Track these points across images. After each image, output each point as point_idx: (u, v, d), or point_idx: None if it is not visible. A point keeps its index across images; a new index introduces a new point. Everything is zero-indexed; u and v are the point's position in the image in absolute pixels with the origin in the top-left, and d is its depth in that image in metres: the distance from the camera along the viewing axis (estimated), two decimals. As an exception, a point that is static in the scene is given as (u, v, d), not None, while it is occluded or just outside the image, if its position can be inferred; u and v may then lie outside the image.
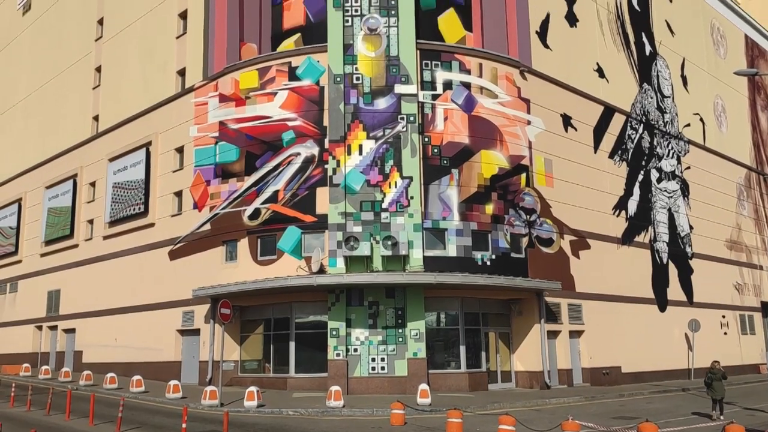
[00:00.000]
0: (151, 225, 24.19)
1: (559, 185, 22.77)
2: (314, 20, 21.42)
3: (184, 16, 24.31)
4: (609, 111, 26.00)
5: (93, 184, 28.12)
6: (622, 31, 27.79)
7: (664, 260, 27.87)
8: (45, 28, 33.74)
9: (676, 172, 29.61)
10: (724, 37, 36.09)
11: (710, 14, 35.05)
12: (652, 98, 28.83)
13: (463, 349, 20.12)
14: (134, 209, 24.89)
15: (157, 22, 25.55)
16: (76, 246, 28.41)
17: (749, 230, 35.33)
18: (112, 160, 26.60)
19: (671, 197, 28.95)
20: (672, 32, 30.85)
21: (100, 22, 29.25)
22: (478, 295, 20.49)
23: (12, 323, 32.44)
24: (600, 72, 26.04)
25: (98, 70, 28.99)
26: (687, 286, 28.88)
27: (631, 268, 25.75)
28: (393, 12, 20.66)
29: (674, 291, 27.96)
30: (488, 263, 20.00)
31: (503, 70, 21.49)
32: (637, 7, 28.84)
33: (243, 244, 20.47)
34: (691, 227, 29.92)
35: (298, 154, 20.18)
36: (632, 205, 26.54)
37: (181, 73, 24.11)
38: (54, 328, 29.39)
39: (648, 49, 29.16)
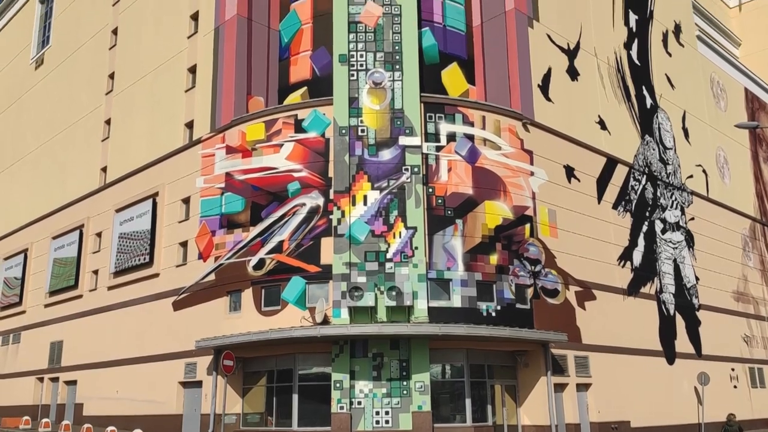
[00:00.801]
0: (156, 275, 24.20)
1: (563, 236, 22.79)
2: (320, 74, 21.89)
3: (193, 70, 24.86)
4: (612, 162, 26.22)
5: (99, 235, 28.27)
6: (623, 84, 28.26)
7: (671, 312, 27.63)
8: (57, 82, 34.49)
9: (681, 223, 29.64)
10: (724, 90, 36.63)
11: (709, 68, 35.65)
12: (654, 150, 29.10)
13: (468, 402, 19.82)
14: (139, 259, 24.95)
15: (167, 76, 26.12)
16: (80, 297, 28.38)
17: (756, 281, 35.11)
18: (118, 210, 26.81)
19: (676, 248, 28.90)
20: (672, 85, 31.35)
21: (111, 76, 29.91)
22: (483, 346, 20.29)
23: (14, 375, 32.15)
24: (602, 124, 26.38)
25: (108, 122, 29.51)
26: (695, 339, 28.54)
27: (638, 320, 25.52)
28: (397, 66, 21.11)
29: (682, 343, 27.63)
30: (493, 314, 19.88)
31: (506, 123, 21.80)
32: (636, 61, 29.39)
33: (247, 295, 20.44)
34: (697, 278, 29.76)
35: (303, 204, 20.34)
36: (637, 255, 26.48)
37: (189, 125, 24.52)
38: (55, 380, 29.11)
39: (649, 101, 29.59)
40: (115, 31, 30.30)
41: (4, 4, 42.16)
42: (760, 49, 42.53)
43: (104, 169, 29.01)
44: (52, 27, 36.40)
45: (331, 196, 20.05)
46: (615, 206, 26.00)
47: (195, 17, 25.21)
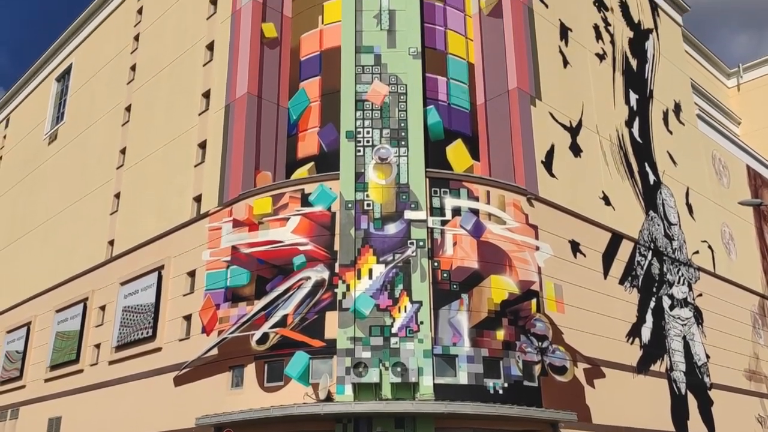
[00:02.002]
0: (158, 350, 23.93)
1: (570, 311, 22.57)
2: (327, 150, 22.31)
3: (203, 145, 25.38)
4: (617, 237, 26.25)
5: (103, 308, 28.14)
6: (626, 161, 28.64)
7: (683, 391, 27.00)
8: (69, 157, 35.18)
9: (689, 300, 29.36)
10: (726, 167, 37.03)
11: (710, 146, 36.17)
12: (659, 225, 29.17)
13: (476, 484, 19.14)
14: (142, 333, 24.73)
15: (177, 152, 26.64)
16: (80, 371, 27.98)
17: (767, 360, 34.42)
18: (123, 283, 26.79)
19: (685, 325, 28.52)
20: (674, 162, 31.74)
21: (123, 151, 30.53)
22: (490, 425, 19.74)
23: (8, 452, 31.35)
24: (606, 200, 26.56)
25: (117, 196, 29.90)
26: (708, 419, 27.76)
27: (649, 399, 24.91)
28: (403, 143, 21.53)
29: (695, 424, 26.85)
30: (500, 392, 19.46)
31: (510, 198, 21.99)
32: (638, 139, 29.88)
33: (250, 370, 20.12)
34: (707, 356, 29.22)
35: (309, 278, 20.31)
36: (646, 332, 26.11)
37: (197, 199, 24.81)
38: (51, 458, 28.35)
39: (652, 178, 29.89)
40: (128, 108, 31.14)
41: (21, 82, 43.55)
42: (760, 128, 43.27)
43: (111, 242, 29.18)
44: (67, 104, 37.46)
45: (337, 270, 20.05)
46: (621, 282, 25.84)
47: (207, 95, 25.94)
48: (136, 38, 32.21)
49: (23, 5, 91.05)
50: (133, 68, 31.71)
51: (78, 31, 38.51)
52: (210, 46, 26.58)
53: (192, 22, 28.08)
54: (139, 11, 32.68)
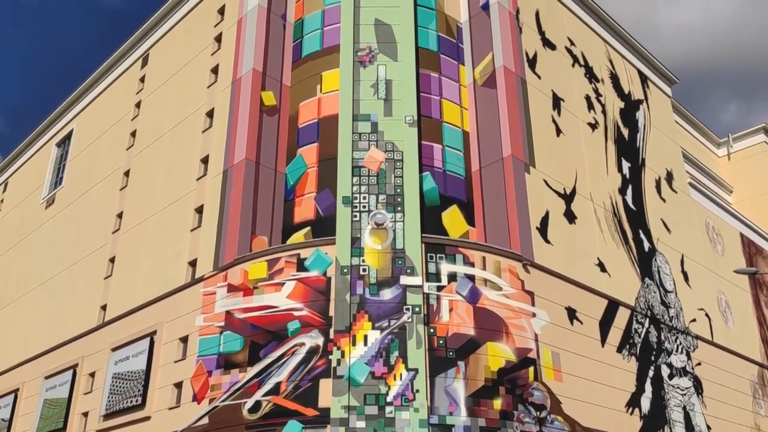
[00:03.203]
0: (147, 418, 23.34)
1: (568, 380, 22.23)
2: (324, 215, 22.43)
3: (200, 210, 25.49)
4: (613, 304, 26.13)
5: (92, 375, 27.59)
6: (620, 228, 28.82)
7: (685, 463, 26.33)
8: (65, 222, 35.23)
9: (688, 369, 28.99)
10: (720, 235, 37.24)
11: (704, 214, 36.49)
12: (655, 293, 29.10)
13: None
14: (132, 401, 24.17)
15: (174, 216, 26.73)
16: (66, 440, 27.20)
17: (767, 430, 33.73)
18: (114, 349, 26.36)
19: (685, 395, 28.06)
20: (668, 230, 31.94)
21: (120, 215, 30.61)
22: (488, 499, 19.15)
23: None
24: (601, 266, 26.58)
25: (112, 260, 29.80)
26: (712, 493, 26.97)
27: (650, 472, 24.26)
28: (399, 208, 21.68)
29: (699, 498, 26.06)
30: (498, 463, 18.95)
31: (506, 264, 21.99)
32: (632, 206, 30.16)
33: (241, 439, 19.60)
34: (708, 427, 28.62)
35: (303, 344, 20.06)
36: (645, 402, 25.65)
37: (193, 263, 24.74)
38: None
39: (647, 245, 30.01)
40: (127, 173, 31.42)
41: (22, 146, 44.04)
42: (752, 196, 43.77)
43: (104, 307, 28.88)
44: (66, 168, 37.80)
45: (331, 336, 19.82)
46: (619, 350, 25.56)
47: (205, 161, 26.25)
48: (138, 105, 32.82)
49: (25, 72, 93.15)
50: (134, 134, 32.19)
51: (81, 97, 39.25)
52: (210, 113, 27.08)
53: (193, 90, 28.69)
54: (142, 79, 33.42)
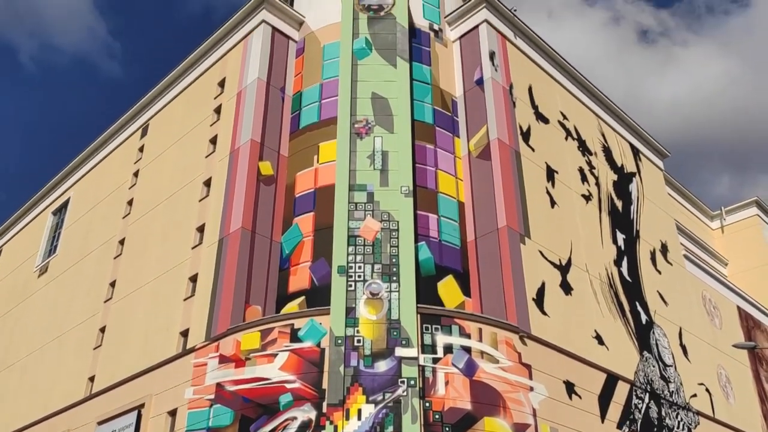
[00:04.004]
0: (132, 496, 22.44)
1: (567, 457, 21.57)
2: (319, 284, 22.27)
3: (194, 279, 25.29)
4: (612, 378, 25.66)
5: (77, 449, 26.71)
6: (617, 299, 28.64)
7: None
8: (57, 290, 34.87)
9: (690, 446, 28.24)
10: (717, 308, 37.01)
11: (700, 286, 36.37)
12: (654, 367, 28.65)
13: None
14: (116, 477, 23.31)
15: (167, 285, 26.49)
16: None
17: None
18: (101, 423, 25.59)
19: (688, 473, 27.21)
20: (665, 302, 31.76)
21: (112, 284, 30.34)
22: None
23: None
24: (599, 339, 26.25)
25: (102, 330, 29.33)
26: None
27: None
28: (394, 278, 21.56)
29: None
30: None
31: (503, 335, 21.70)
32: (628, 278, 30.08)
33: None
34: (714, 508, 27.63)
35: (295, 418, 19.52)
36: (648, 481, 24.84)
37: (184, 333, 24.35)
38: None
39: (644, 317, 29.76)
40: (122, 242, 31.34)
41: (18, 214, 44.07)
42: (747, 269, 43.76)
43: (92, 379, 28.22)
44: (61, 237, 37.71)
45: (324, 410, 19.32)
46: (620, 426, 24.93)
47: (201, 229, 26.25)
48: (136, 174, 33.08)
49: (24, 139, 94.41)
50: (130, 203, 32.29)
51: (79, 166, 39.58)
52: (207, 183, 27.27)
53: (191, 160, 28.98)
54: (141, 149, 33.81)
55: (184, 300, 25.10)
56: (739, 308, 39.36)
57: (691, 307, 34.40)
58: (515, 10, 29.97)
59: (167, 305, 25.88)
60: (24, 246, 41.80)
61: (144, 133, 34.27)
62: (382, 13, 27.36)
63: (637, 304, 29.88)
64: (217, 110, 28.98)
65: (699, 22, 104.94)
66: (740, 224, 45.83)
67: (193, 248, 26.11)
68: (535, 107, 29.18)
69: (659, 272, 32.74)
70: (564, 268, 26.29)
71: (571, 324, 25.21)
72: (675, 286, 33.55)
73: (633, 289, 30.10)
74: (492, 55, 27.61)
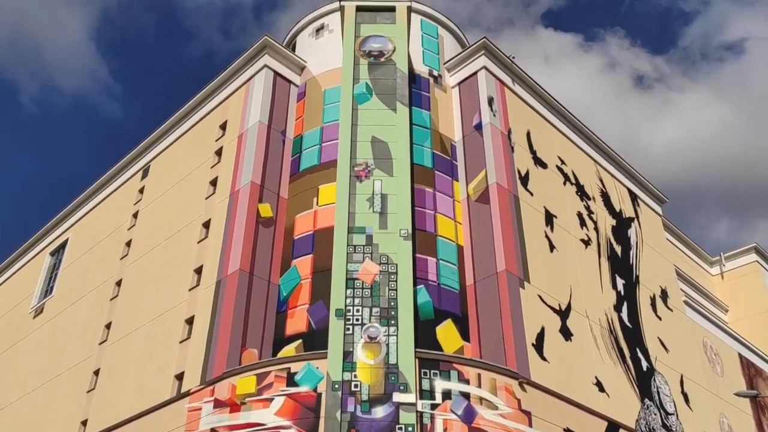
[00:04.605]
0: None
1: (569, 508, 21.05)
2: (316, 327, 22.07)
3: (190, 321, 25.08)
4: (613, 426, 25.22)
5: (66, 496, 26.06)
6: (617, 346, 28.36)
7: None
8: (52, 332, 34.52)
9: (694, 497, 27.59)
10: (718, 355, 36.64)
11: (701, 333, 36.08)
12: (655, 415, 28.20)
13: None
14: None
15: (163, 327, 26.25)
16: None
17: None
18: (92, 468, 25.07)
19: None
20: (666, 349, 31.45)
21: (108, 326, 30.05)
22: None
23: None
24: (599, 386, 25.90)
25: (96, 373, 28.93)
26: None
27: None
28: (393, 322, 21.39)
29: None
30: None
31: (502, 381, 21.41)
32: (628, 324, 29.85)
33: None
34: None
35: (290, 465, 19.11)
36: None
37: (180, 377, 24.02)
38: None
39: (645, 364, 29.42)
40: (119, 283, 31.17)
41: (16, 254, 43.95)
42: (747, 316, 43.48)
43: (84, 423, 27.71)
44: (58, 277, 37.52)
45: (321, 456, 18.92)
46: (622, 475, 24.43)
47: (198, 271, 26.14)
48: (135, 215, 33.12)
49: (24, 180, 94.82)
50: (129, 244, 32.23)
51: (78, 207, 39.66)
52: (206, 224, 27.28)
53: (191, 201, 29.06)
54: (141, 190, 33.93)
55: (180, 342, 24.83)
56: (740, 355, 38.97)
57: (692, 354, 34.05)
58: (513, 58, 30.49)
59: (162, 348, 25.60)
60: (20, 287, 41.56)
61: (145, 175, 34.44)
62: (382, 59, 27.83)
63: (638, 350, 29.58)
64: (218, 152, 29.19)
65: (694, 68, 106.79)
66: (740, 270, 45.72)
67: (190, 290, 25.96)
68: (533, 152, 29.42)
69: (659, 318, 32.51)
70: (564, 314, 26.11)
71: (572, 370, 24.91)
72: (676, 332, 33.28)
73: (633, 335, 29.84)
74: (490, 101, 27.96)
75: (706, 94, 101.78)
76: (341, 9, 29.77)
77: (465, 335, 22.95)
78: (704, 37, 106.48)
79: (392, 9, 29.53)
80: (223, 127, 29.86)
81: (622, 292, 30.71)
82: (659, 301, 33.23)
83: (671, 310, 33.89)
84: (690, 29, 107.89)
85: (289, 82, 29.57)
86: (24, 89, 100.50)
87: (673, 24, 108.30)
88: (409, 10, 29.84)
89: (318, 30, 31.08)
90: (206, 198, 28.17)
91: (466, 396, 20.51)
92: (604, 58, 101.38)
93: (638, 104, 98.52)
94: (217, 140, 29.79)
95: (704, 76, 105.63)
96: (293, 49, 31.44)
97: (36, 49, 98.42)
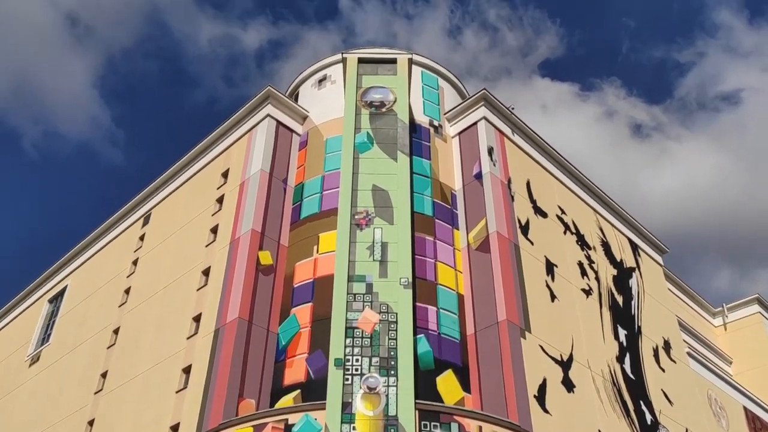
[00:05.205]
0: None
1: None
2: (314, 377, 21.78)
3: (187, 371, 24.75)
4: (618, 482, 24.63)
5: None
6: (620, 398, 27.91)
7: None
8: (48, 380, 34.07)
9: None
10: (723, 408, 36.02)
11: (705, 385, 35.55)
12: (661, 470, 27.56)
13: None
14: None
15: (160, 376, 25.91)
16: None
17: None
18: None
19: None
20: (670, 401, 30.93)
21: (104, 375, 29.67)
22: None
23: None
24: (603, 439, 25.39)
25: (91, 423, 28.43)
26: None
27: None
28: (392, 372, 21.11)
29: None
30: None
31: (504, 434, 21.00)
32: (631, 375, 29.43)
33: None
34: None
35: None
36: None
37: (174, 428, 23.57)
38: None
39: (649, 417, 28.90)
40: (116, 331, 30.90)
41: (14, 302, 43.70)
42: (752, 368, 42.91)
43: (76, 474, 27.12)
44: (56, 325, 37.22)
45: None
46: None
47: (197, 319, 25.94)
48: (135, 262, 33.06)
49: (24, 227, 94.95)
50: (128, 291, 32.08)
51: (78, 255, 39.61)
52: (206, 272, 27.20)
53: (191, 249, 29.05)
54: (142, 237, 33.96)
55: (176, 392, 24.47)
56: (745, 409, 38.29)
57: (696, 407, 33.48)
58: (513, 109, 30.92)
59: (158, 397, 25.21)
60: (17, 334, 41.19)
61: (146, 222, 34.53)
62: (383, 110, 28.23)
63: (642, 403, 29.10)
64: (220, 200, 29.33)
65: (691, 117, 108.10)
66: (743, 322, 45.34)
67: (188, 338, 25.71)
68: (533, 201, 29.55)
69: (663, 370, 32.07)
70: (566, 364, 25.78)
71: (574, 423, 24.45)
72: (679, 384, 32.79)
73: (637, 387, 29.39)
74: (490, 151, 28.23)
75: (703, 143, 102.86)
76: (344, 61, 30.35)
77: (466, 386, 22.62)
78: (700, 87, 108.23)
79: (393, 61, 30.12)
80: (225, 175, 30.08)
81: (625, 343, 30.38)
82: (662, 353, 32.84)
83: (675, 362, 33.46)
84: (685, 80, 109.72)
85: (292, 131, 29.94)
86: (26, 135, 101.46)
87: (669, 75, 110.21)
88: (410, 62, 30.44)
89: (321, 81, 31.62)
90: (206, 245, 28.17)
91: (467, 449, 20.09)
92: (602, 107, 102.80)
93: (636, 153, 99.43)
94: (218, 188, 29.97)
95: (701, 126, 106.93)
96: (296, 99, 31.93)
97: (39, 95, 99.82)
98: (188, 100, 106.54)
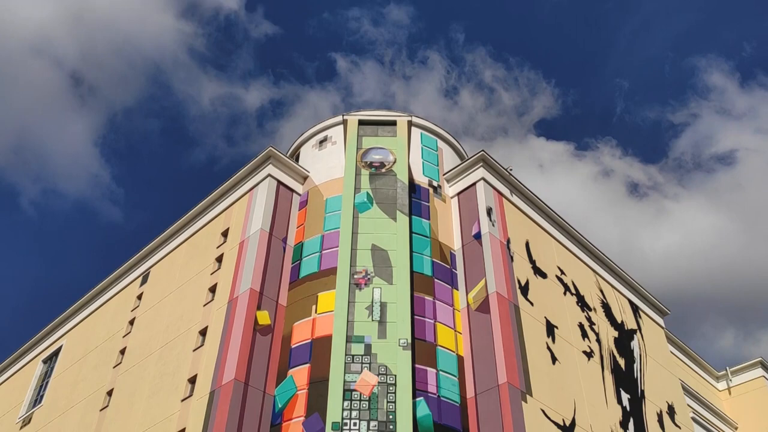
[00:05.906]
0: None
1: None
2: (311, 442, 21.26)
3: (181, 433, 24.21)
4: None
5: None
6: (625, 464, 27.18)
7: None
8: (37, 443, 33.25)
9: None
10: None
11: (711, 451, 34.70)
12: None
13: None
14: None
15: (152, 439, 25.31)
16: None
17: None
18: None
19: None
20: (676, 468, 30.11)
21: (96, 438, 28.99)
22: None
23: None
24: (608, 508, 24.61)
25: (80, 488, 27.59)
26: None
27: None
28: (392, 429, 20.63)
29: None
30: None
31: (506, 502, 20.38)
32: (635, 441, 28.75)
33: None
34: None
35: None
36: None
37: (167, 494, 22.90)
38: None
39: (655, 485, 28.07)
40: (110, 392, 30.33)
41: (9, 361, 43.00)
42: (759, 433, 41.93)
43: None
44: (48, 386, 36.55)
45: None
46: None
47: (193, 380, 25.52)
48: (131, 322, 32.74)
49: (19, 286, 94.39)
50: (123, 351, 31.66)
51: (74, 314, 39.24)
52: (203, 332, 26.92)
53: (189, 308, 28.83)
54: (139, 297, 33.73)
55: (170, 456, 23.86)
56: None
57: (704, 474, 32.59)
58: (511, 170, 31.25)
59: (151, 461, 24.55)
60: (10, 395, 40.40)
61: (144, 281, 34.37)
62: (383, 170, 28.54)
63: (647, 470, 28.34)
64: (219, 259, 29.29)
65: (688, 176, 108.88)
66: (747, 386, 44.55)
67: (182, 400, 25.22)
68: (532, 262, 29.52)
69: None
70: (568, 429, 25.23)
71: (578, 490, 23.76)
72: (685, 450, 32.00)
73: (641, 453, 28.68)
74: (489, 211, 28.38)
75: (701, 202, 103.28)
76: (344, 122, 30.88)
77: (466, 451, 22.08)
78: (695, 147, 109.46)
79: (393, 123, 30.65)
80: (225, 234, 30.13)
81: (628, 408, 29.80)
82: (666, 418, 32.17)
83: (679, 428, 32.74)
84: (680, 140, 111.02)
85: (292, 190, 30.17)
86: (24, 192, 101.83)
87: (664, 135, 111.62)
88: (410, 124, 30.96)
89: (321, 141, 32.08)
90: (204, 305, 27.97)
91: None
92: (598, 166, 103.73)
93: (634, 212, 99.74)
94: (218, 247, 29.97)
95: (698, 185, 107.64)
96: (297, 159, 32.30)
97: (39, 152, 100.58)
98: (189, 158, 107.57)
